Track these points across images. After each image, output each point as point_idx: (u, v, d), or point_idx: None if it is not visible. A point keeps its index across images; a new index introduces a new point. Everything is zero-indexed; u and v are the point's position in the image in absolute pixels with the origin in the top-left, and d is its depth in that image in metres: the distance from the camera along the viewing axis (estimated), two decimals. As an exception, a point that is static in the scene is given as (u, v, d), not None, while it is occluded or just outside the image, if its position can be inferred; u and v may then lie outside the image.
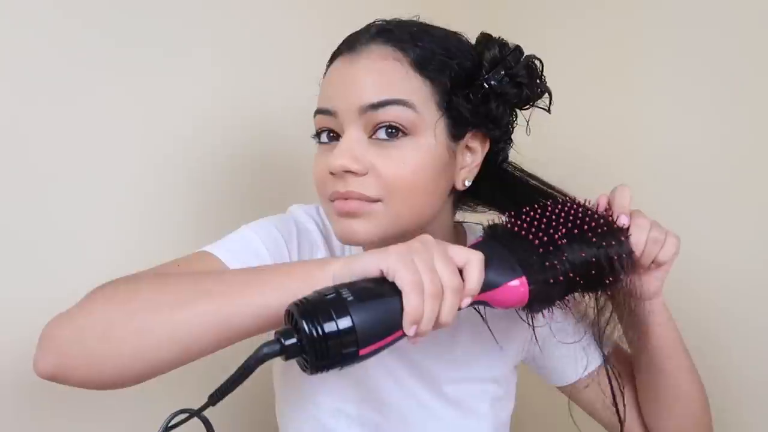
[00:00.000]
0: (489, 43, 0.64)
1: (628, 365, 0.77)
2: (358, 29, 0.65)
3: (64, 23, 0.81)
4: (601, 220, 0.58)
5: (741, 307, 0.93)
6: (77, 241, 0.83)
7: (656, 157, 1.03)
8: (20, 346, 0.72)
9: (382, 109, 0.59)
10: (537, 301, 0.55)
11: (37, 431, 0.79)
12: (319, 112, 0.64)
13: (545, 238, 0.55)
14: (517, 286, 0.53)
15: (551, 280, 0.54)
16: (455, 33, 0.66)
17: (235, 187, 0.98)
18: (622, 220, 0.60)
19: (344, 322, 0.45)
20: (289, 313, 0.47)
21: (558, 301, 0.57)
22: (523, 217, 0.58)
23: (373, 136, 0.60)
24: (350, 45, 0.63)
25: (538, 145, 1.14)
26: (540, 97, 0.66)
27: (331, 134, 0.63)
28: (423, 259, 0.48)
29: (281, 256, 0.66)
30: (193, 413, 0.46)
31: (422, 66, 0.61)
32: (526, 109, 0.67)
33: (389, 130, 0.60)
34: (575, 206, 0.60)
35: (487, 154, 0.67)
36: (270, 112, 1.00)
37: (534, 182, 0.71)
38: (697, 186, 0.98)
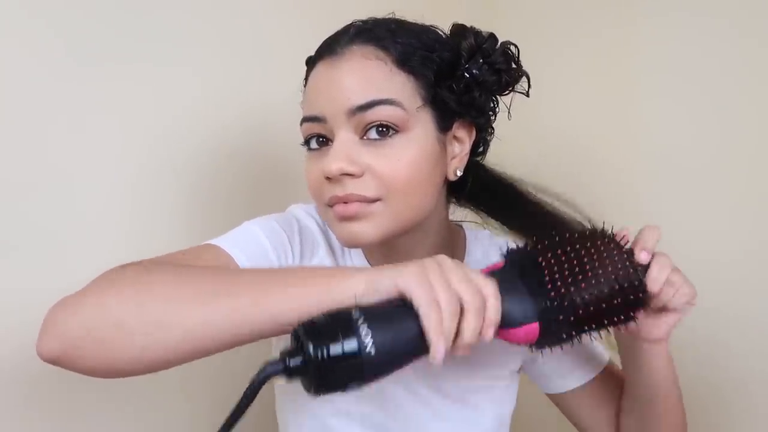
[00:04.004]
0: (464, 33, 0.64)
1: (618, 384, 0.77)
2: (335, 32, 0.65)
3: (37, 22, 0.77)
4: (624, 256, 0.56)
5: (738, 305, 0.92)
6: (67, 237, 0.80)
7: (654, 154, 1.02)
8: (19, 336, 0.72)
9: (371, 110, 0.59)
10: (545, 341, 0.54)
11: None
12: (307, 119, 0.64)
13: (562, 282, 0.52)
14: (531, 329, 0.52)
15: (564, 325, 0.52)
16: (431, 26, 0.66)
17: (229, 187, 0.96)
18: (643, 257, 0.57)
19: (350, 347, 0.44)
20: (295, 333, 0.46)
21: (566, 341, 0.55)
22: (546, 249, 0.55)
23: (365, 137, 0.61)
24: (331, 48, 0.63)
25: (537, 142, 1.15)
26: (518, 81, 0.66)
27: (321, 139, 0.63)
28: (438, 278, 0.47)
29: (284, 250, 0.66)
30: None
31: (405, 62, 0.61)
32: (506, 94, 0.67)
33: (380, 129, 0.60)
34: (599, 241, 0.56)
35: (473, 142, 0.67)
36: (267, 110, 0.99)
37: (507, 181, 0.71)
38: (695, 184, 0.97)
